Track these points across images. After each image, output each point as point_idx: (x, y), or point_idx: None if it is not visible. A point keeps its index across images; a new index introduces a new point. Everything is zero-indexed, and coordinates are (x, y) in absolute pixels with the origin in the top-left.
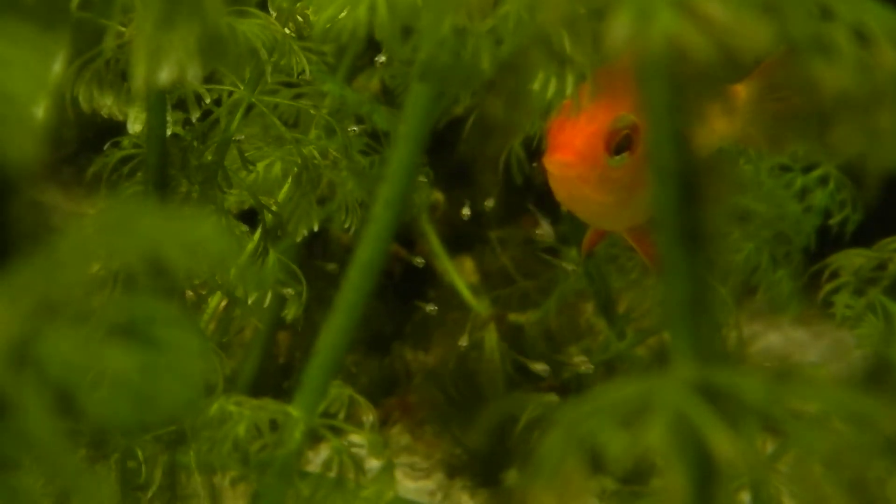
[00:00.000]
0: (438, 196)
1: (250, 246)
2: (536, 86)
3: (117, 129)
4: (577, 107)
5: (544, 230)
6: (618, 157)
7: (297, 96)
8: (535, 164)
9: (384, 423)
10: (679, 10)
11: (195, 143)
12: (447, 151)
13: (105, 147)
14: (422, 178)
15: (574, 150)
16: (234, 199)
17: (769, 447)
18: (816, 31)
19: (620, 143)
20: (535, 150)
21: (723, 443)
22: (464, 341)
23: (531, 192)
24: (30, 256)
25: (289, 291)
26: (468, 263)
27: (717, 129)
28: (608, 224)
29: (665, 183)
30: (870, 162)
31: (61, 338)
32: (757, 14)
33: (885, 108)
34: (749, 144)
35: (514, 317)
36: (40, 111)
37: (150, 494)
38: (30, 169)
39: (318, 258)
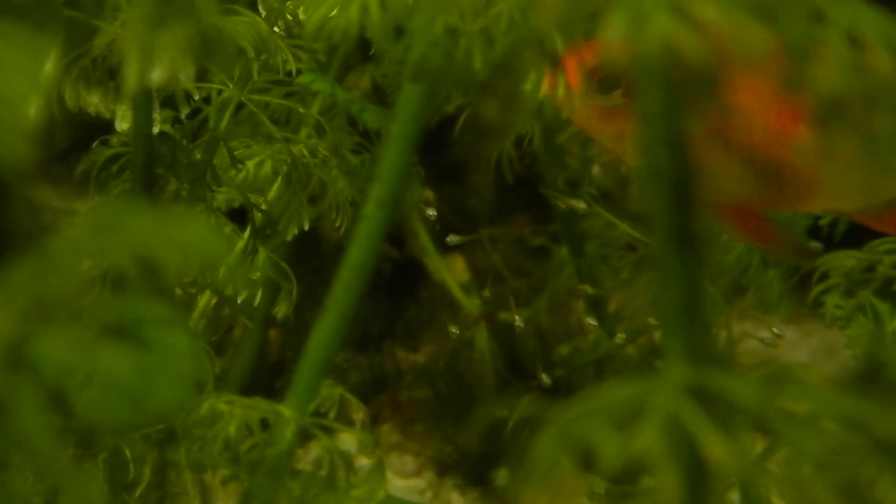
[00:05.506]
0: (430, 195)
1: (240, 244)
2: (529, 86)
3: (109, 126)
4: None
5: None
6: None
7: (288, 95)
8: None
9: (374, 421)
10: (674, 13)
11: (184, 142)
12: (439, 150)
13: (93, 145)
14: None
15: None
16: (224, 197)
17: (759, 446)
18: (810, 34)
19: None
20: (525, 149)
21: (715, 446)
22: (454, 329)
23: (523, 191)
24: (23, 256)
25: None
26: (459, 262)
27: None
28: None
29: (659, 184)
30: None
31: (54, 338)
32: (751, 17)
33: (880, 111)
34: None
35: (504, 315)
36: (33, 111)
37: (138, 493)
38: (23, 169)
39: (309, 257)
